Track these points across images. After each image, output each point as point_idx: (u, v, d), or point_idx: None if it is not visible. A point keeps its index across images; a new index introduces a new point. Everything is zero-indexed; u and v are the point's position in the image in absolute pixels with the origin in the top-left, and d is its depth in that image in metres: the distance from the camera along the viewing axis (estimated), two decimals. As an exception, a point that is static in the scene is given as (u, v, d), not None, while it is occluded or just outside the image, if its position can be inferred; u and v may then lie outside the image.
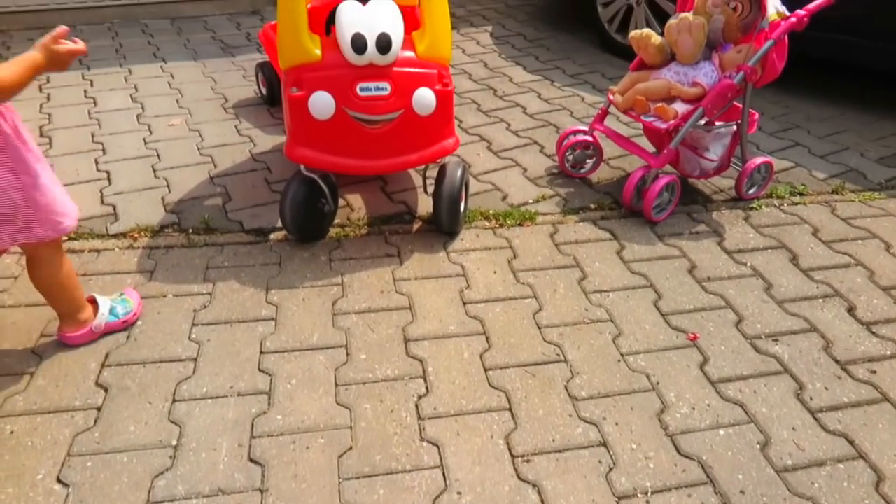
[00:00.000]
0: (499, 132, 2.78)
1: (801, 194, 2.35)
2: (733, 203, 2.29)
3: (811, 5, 1.96)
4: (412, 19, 2.15)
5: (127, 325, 1.66)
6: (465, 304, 1.79)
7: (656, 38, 2.17)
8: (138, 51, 3.52)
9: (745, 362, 1.61)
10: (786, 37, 1.99)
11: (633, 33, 2.21)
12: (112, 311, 1.63)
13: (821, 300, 1.82)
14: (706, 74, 2.08)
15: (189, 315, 1.71)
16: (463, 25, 4.17)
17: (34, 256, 1.51)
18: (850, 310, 1.79)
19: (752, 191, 2.29)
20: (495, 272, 1.92)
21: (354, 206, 2.21)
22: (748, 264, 1.97)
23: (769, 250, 2.04)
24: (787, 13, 1.97)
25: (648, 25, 3.48)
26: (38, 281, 1.54)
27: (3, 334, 1.61)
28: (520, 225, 2.15)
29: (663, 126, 2.08)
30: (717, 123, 2.17)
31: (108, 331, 1.63)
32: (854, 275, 1.93)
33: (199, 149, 2.55)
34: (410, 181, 2.36)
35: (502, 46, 3.84)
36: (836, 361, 1.61)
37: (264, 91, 2.93)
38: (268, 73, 2.86)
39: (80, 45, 1.39)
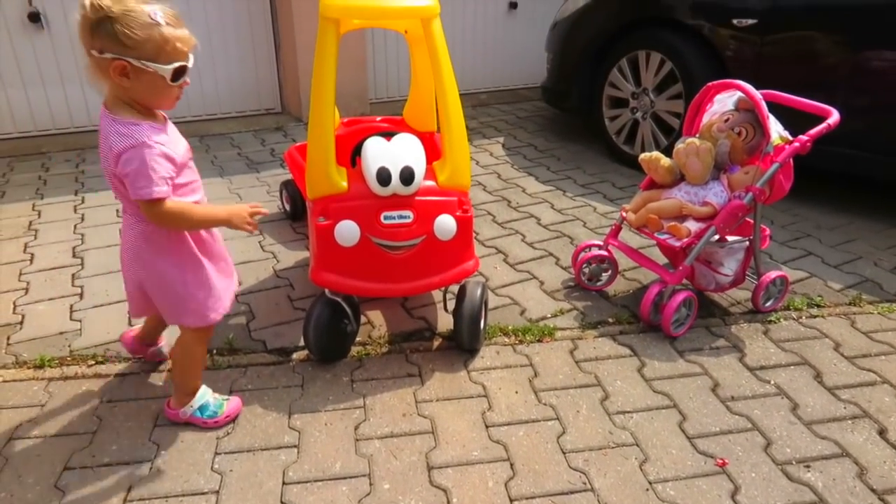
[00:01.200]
0: (514, 244, 2.86)
1: (818, 306, 2.36)
2: (751, 316, 2.30)
3: (813, 131, 2.06)
4: (433, 147, 2.28)
5: (208, 426, 1.76)
6: (487, 427, 1.78)
7: (665, 161, 2.27)
8: (169, 168, 3.70)
9: (778, 491, 1.57)
10: (791, 159, 2.08)
11: (643, 156, 2.32)
12: (201, 409, 1.76)
13: (850, 421, 1.79)
14: (716, 194, 2.16)
15: (212, 443, 1.71)
16: (476, 137, 4.37)
17: (180, 331, 1.74)
18: (882, 432, 1.75)
19: (768, 304, 2.31)
20: (517, 392, 1.91)
21: (375, 324, 2.25)
22: (772, 382, 1.96)
23: (792, 367, 2.03)
24: (790, 137, 2.07)
25: (654, 138, 3.64)
26: (173, 351, 1.79)
27: (27, 466, 1.61)
28: (539, 341, 2.17)
29: (677, 244, 2.14)
30: (730, 239, 2.22)
31: (192, 422, 1.76)
32: (881, 393, 1.90)
33: (224, 266, 2.62)
34: (429, 297, 2.41)
35: (514, 157, 4.01)
36: (873, 491, 1.57)
37: (288, 207, 3.05)
38: (291, 190, 3.00)
39: (263, 210, 1.73)
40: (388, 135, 1.94)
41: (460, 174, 1.95)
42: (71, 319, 2.24)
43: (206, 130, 4.42)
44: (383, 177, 1.82)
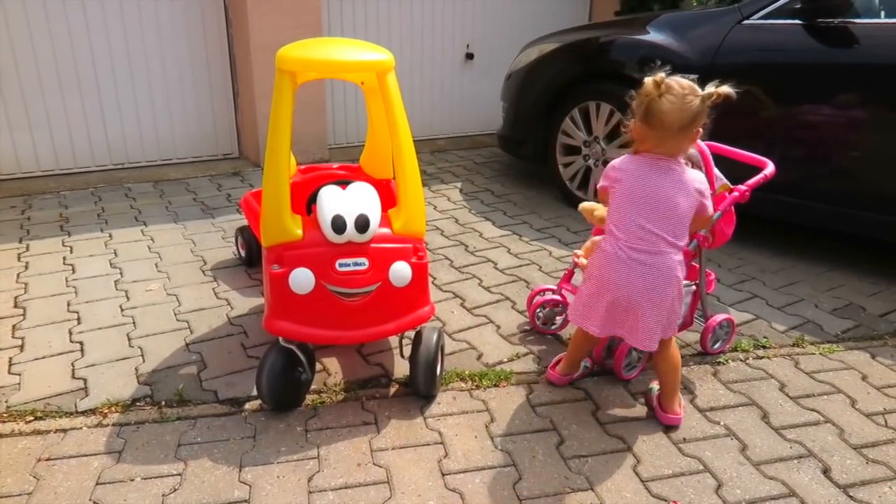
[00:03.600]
0: (472, 289, 2.88)
1: (764, 347, 2.44)
2: (700, 358, 2.36)
3: (752, 181, 2.17)
4: (389, 194, 2.31)
5: None
6: (444, 475, 1.76)
7: (601, 210, 2.34)
8: (120, 215, 3.64)
9: (730, 533, 1.59)
10: (732, 207, 2.18)
11: (582, 206, 2.39)
12: None
13: (796, 461, 1.84)
14: (662, 240, 2.23)
15: (157, 500, 1.64)
16: (434, 182, 4.44)
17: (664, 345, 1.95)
18: (826, 471, 1.80)
19: (716, 346, 2.38)
20: (475, 437, 1.91)
21: (331, 371, 2.22)
22: (721, 423, 2.00)
23: (740, 407, 2.08)
24: (731, 186, 2.17)
25: (606, 184, 3.76)
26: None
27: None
28: (496, 386, 2.18)
29: (627, 288, 2.19)
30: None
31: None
32: (825, 433, 1.96)
33: (175, 314, 2.57)
34: (386, 343, 2.39)
35: (472, 202, 4.08)
36: (820, 529, 1.60)
37: (243, 253, 3.02)
38: (247, 236, 2.98)
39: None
40: (343, 183, 1.97)
41: (415, 221, 1.98)
42: (9, 373, 2.15)
43: (160, 175, 4.37)
44: (338, 224, 1.84)
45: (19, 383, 2.10)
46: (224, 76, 4.70)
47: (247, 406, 2.03)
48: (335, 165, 2.66)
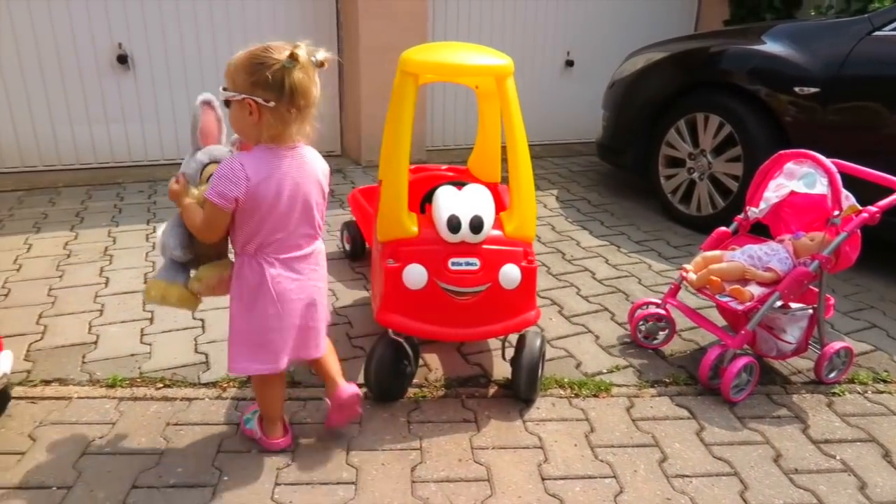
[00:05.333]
0: (569, 297, 2.87)
1: (884, 381, 2.29)
2: (814, 387, 2.25)
3: (883, 202, 2.05)
4: (496, 198, 2.34)
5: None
6: (543, 479, 1.77)
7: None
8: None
9: (848, 571, 1.51)
10: (859, 229, 2.06)
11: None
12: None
13: (924, 504, 1.72)
14: (780, 261, 2.15)
15: (272, 473, 1.74)
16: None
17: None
18: (959, 518, 1.68)
19: (832, 375, 2.26)
20: (575, 445, 1.90)
21: (432, 367, 2.28)
22: (837, 457, 1.90)
23: (858, 443, 1.96)
24: (859, 207, 2.06)
25: (710, 199, 3.64)
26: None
27: (98, 481, 1.67)
28: (595, 396, 2.16)
29: (739, 308, 2.12)
30: (794, 306, 2.20)
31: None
32: (957, 477, 1.83)
33: (285, 300, 2.71)
34: (485, 344, 2.43)
35: (568, 210, 4.05)
36: (952, 579, 1.49)
37: (348, 247, 3.15)
38: (353, 231, 3.09)
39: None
40: (458, 184, 2.02)
41: (527, 226, 2.00)
42: (141, 342, 2.34)
43: (269, 169, 4.60)
44: (453, 224, 1.89)
45: (150, 352, 2.28)
46: (332, 77, 4.89)
47: (352, 393, 2.11)
48: (444, 167, 2.72)
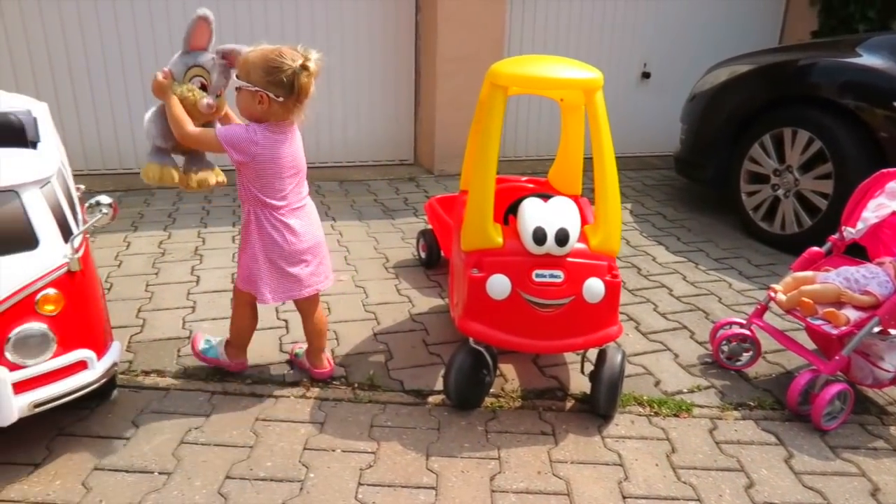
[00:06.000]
0: (646, 313, 2.82)
1: None
2: (915, 419, 2.13)
3: None
4: (580, 212, 2.33)
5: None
6: (624, 497, 1.75)
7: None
8: (313, 208, 4.01)
9: None
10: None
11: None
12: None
13: None
14: (880, 284, 2.05)
15: (356, 473, 1.79)
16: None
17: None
18: None
19: (936, 407, 2.13)
20: (657, 465, 1.87)
21: (508, 377, 2.29)
22: (944, 496, 1.79)
23: (968, 481, 1.85)
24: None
25: (796, 217, 3.50)
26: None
27: (194, 470, 1.77)
28: (676, 416, 2.12)
29: (833, 332, 2.04)
30: (893, 332, 2.09)
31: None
32: None
33: (363, 305, 2.79)
34: (561, 357, 2.42)
35: (643, 225, 3.98)
36: None
37: (423, 255, 3.20)
38: (428, 239, 3.14)
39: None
40: (544, 196, 2.03)
41: (612, 240, 1.99)
42: (230, 340, 2.46)
43: (345, 176, 4.75)
44: (539, 236, 1.90)
45: (238, 350, 2.39)
46: (409, 86, 5.00)
47: (430, 399, 2.15)
48: (524, 178, 2.73)
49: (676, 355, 2.49)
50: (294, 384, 2.20)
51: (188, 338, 2.45)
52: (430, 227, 3.20)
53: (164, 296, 2.76)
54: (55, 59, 4.28)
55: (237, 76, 1.91)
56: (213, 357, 2.20)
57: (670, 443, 1.98)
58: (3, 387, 1.56)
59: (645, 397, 2.20)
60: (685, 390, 2.26)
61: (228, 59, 1.99)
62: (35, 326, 1.62)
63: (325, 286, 2.13)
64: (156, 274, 2.99)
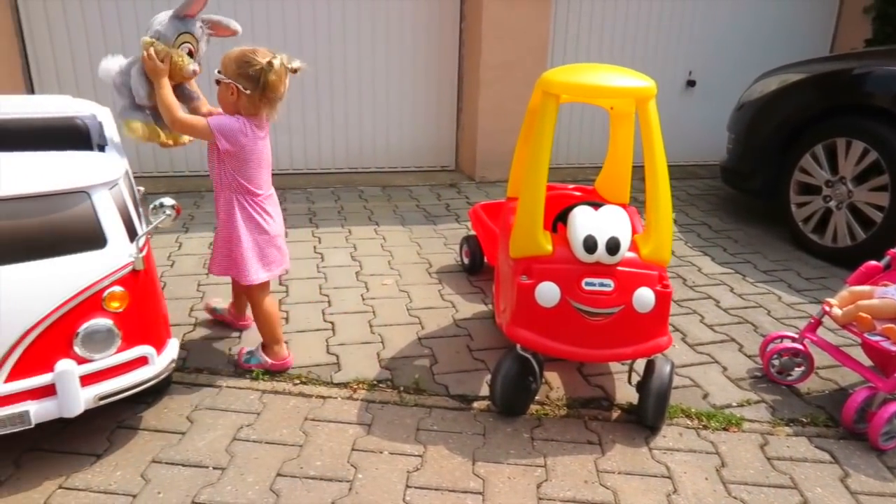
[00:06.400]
0: (693, 324, 2.78)
1: None
2: (978, 441, 2.04)
3: None
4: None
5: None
6: (673, 511, 1.73)
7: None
8: (356, 213, 4.07)
9: None
10: None
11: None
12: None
13: None
14: (944, 300, 1.98)
15: (403, 475, 1.81)
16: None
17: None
18: None
19: None
20: (706, 479, 1.84)
21: (553, 385, 2.28)
22: None
23: None
24: None
25: (849, 230, 3.41)
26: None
27: (247, 466, 1.81)
28: (725, 429, 2.08)
29: (893, 348, 1.98)
30: (956, 351, 2.02)
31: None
32: None
33: (408, 309, 2.81)
34: (606, 366, 2.40)
35: (687, 235, 3.93)
36: None
37: (466, 261, 3.21)
38: (472, 245, 3.16)
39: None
40: (595, 204, 2.02)
41: (663, 249, 1.97)
42: (279, 340, 2.51)
43: (387, 181, 4.80)
44: (589, 244, 1.89)
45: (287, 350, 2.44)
46: (451, 93, 5.04)
47: (475, 404, 2.16)
48: (570, 186, 2.73)
49: (725, 368, 2.45)
50: (341, 385, 2.23)
51: (238, 337, 2.51)
52: (473, 233, 3.22)
53: (214, 295, 2.83)
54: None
55: (218, 71, 2.07)
56: (257, 363, 2.28)
57: (720, 457, 1.95)
58: (72, 379, 1.63)
59: (693, 410, 2.17)
60: (734, 404, 2.22)
61: (214, 30, 2.15)
62: (102, 322, 1.69)
63: (286, 269, 2.33)
64: (206, 274, 3.07)
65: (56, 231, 1.66)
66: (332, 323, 2.66)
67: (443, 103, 5.05)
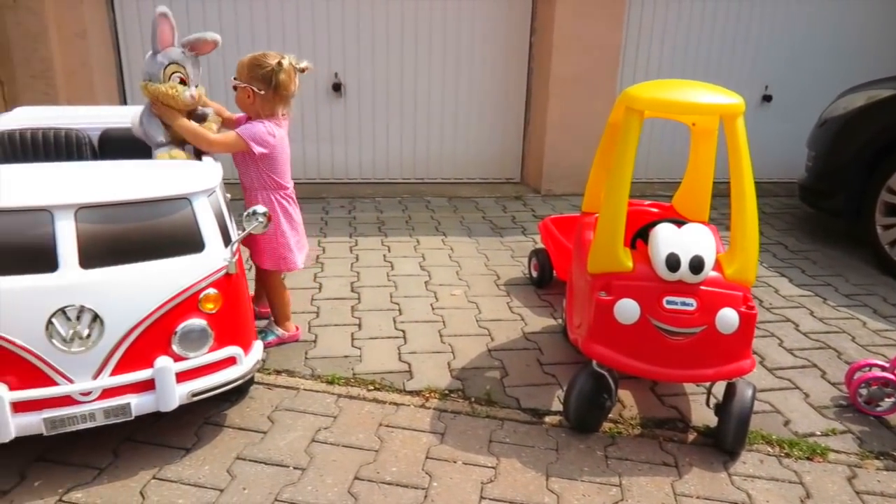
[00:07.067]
0: (771, 348, 2.69)
1: None
2: None
3: None
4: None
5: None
6: (755, 540, 1.67)
7: None
8: (423, 224, 4.13)
9: None
10: None
11: None
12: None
13: None
14: None
15: (477, 486, 1.82)
16: (719, 228, 4.22)
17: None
18: None
19: None
20: (789, 510, 1.78)
21: (626, 404, 2.25)
22: None
23: None
24: None
25: (943, 254, 3.23)
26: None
27: (326, 468, 1.86)
28: (809, 459, 2.00)
29: None
30: None
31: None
32: None
33: (477, 321, 2.83)
34: (681, 387, 2.35)
35: (763, 255, 3.79)
36: None
37: (535, 274, 3.21)
38: (541, 259, 3.15)
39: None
40: (677, 222, 2.00)
41: (749, 270, 1.93)
42: (352, 346, 2.57)
43: (453, 192, 4.85)
44: (672, 262, 1.87)
45: (360, 356, 2.49)
46: (519, 107, 5.05)
47: (546, 419, 2.15)
48: (646, 202, 2.69)
49: (807, 395, 2.36)
50: (414, 393, 2.27)
51: (314, 341, 2.59)
52: (542, 246, 3.21)
53: (291, 301, 2.93)
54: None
55: (234, 77, 2.28)
56: (275, 338, 2.51)
57: (804, 487, 1.87)
58: (169, 375, 1.72)
59: (774, 436, 2.09)
60: (818, 433, 2.14)
61: (196, 49, 2.19)
62: (197, 322, 1.78)
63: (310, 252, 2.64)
64: (283, 279, 3.17)
65: (160, 235, 1.76)
66: (403, 331, 2.70)
67: (510, 116, 5.07)
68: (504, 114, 5.06)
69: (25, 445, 1.75)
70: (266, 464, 1.87)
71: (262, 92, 2.24)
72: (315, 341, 2.59)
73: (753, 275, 1.95)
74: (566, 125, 4.69)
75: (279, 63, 2.23)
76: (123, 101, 4.54)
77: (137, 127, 2.22)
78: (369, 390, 2.27)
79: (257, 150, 2.25)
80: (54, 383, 1.63)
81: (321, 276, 3.22)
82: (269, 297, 2.52)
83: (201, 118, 2.30)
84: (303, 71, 2.32)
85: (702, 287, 1.89)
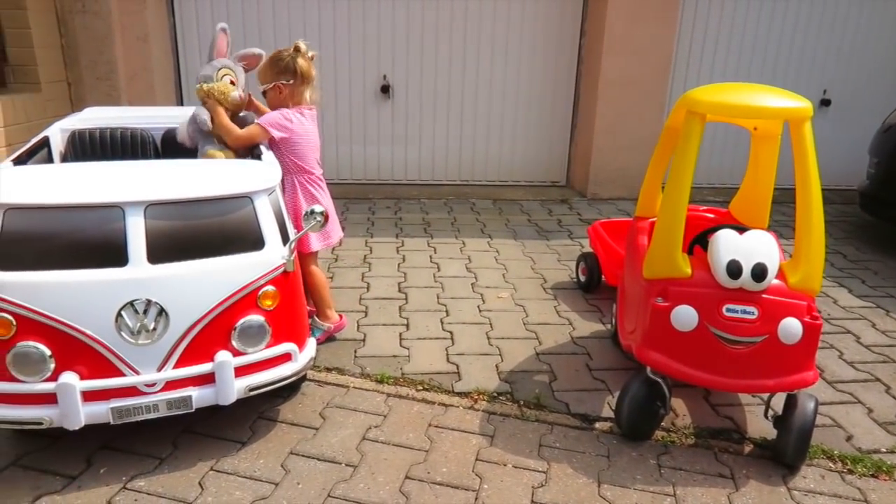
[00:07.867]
0: (831, 360, 2.60)
1: None
2: None
3: None
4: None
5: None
6: (818, 558, 1.62)
7: None
8: (469, 226, 4.13)
9: None
10: None
11: None
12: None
13: None
14: None
15: (528, 490, 1.81)
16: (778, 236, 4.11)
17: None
18: None
19: None
20: (854, 530, 1.72)
21: (679, 413, 2.20)
22: None
23: None
24: None
25: None
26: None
27: (378, 466, 1.88)
28: (874, 476, 1.93)
29: None
30: None
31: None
32: None
33: (524, 324, 2.82)
34: (735, 397, 2.29)
35: (819, 264, 3.67)
36: None
37: (583, 278, 3.17)
38: (590, 263, 3.12)
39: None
40: (739, 228, 1.95)
41: (814, 279, 1.87)
42: (401, 346, 2.58)
43: (498, 195, 4.84)
44: (733, 269, 1.82)
45: (409, 356, 2.51)
46: (566, 110, 5.01)
47: (597, 425, 2.13)
48: (702, 208, 2.64)
49: (870, 410, 2.27)
50: (462, 394, 2.27)
51: (363, 340, 2.61)
52: (591, 250, 3.18)
53: (339, 299, 2.96)
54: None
55: (261, 83, 2.42)
56: (321, 334, 2.52)
57: (870, 506, 1.81)
58: (229, 369, 1.76)
59: (836, 452, 2.02)
60: (883, 449, 2.06)
61: (246, 61, 2.46)
62: (256, 319, 1.81)
63: (341, 239, 2.64)
64: (331, 278, 3.22)
65: (223, 232, 1.80)
66: (450, 332, 2.71)
67: (557, 119, 5.03)
68: (551, 116, 5.02)
69: (91, 433, 1.81)
70: (319, 460, 1.89)
71: (291, 81, 2.37)
72: (364, 340, 2.61)
73: (819, 284, 1.89)
74: (614, 129, 4.64)
75: (296, 48, 2.38)
76: (180, 103, 4.67)
77: (189, 127, 2.37)
78: (418, 390, 2.28)
79: (277, 134, 2.34)
80: (122, 374, 1.69)
81: (368, 276, 3.25)
82: (307, 284, 2.43)
83: (243, 121, 2.47)
84: (312, 59, 2.45)
85: (764, 295, 1.84)
